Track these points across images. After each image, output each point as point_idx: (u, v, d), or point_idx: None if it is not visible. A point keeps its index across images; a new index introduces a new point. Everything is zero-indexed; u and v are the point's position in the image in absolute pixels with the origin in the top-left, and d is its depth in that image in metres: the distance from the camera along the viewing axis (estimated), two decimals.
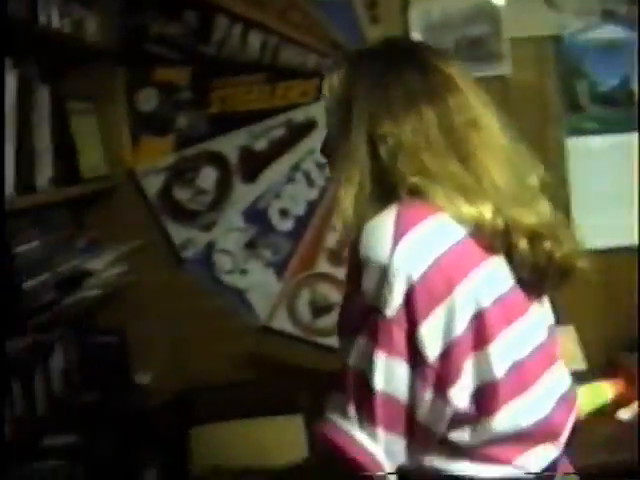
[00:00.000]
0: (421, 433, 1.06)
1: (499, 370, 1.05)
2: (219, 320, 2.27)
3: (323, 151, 1.30)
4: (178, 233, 2.55)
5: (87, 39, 2.39)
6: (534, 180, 1.18)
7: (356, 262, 1.07)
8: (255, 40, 2.48)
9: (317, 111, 2.45)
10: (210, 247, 2.54)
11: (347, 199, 1.12)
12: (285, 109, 2.49)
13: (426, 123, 1.12)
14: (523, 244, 1.08)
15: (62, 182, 2.07)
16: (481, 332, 1.04)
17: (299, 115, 2.49)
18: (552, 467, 1.13)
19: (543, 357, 1.14)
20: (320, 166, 2.48)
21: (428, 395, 1.04)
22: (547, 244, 1.09)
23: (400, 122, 1.12)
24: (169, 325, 2.49)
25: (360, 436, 1.04)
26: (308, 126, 2.48)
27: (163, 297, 2.53)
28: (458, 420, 1.05)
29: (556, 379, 1.16)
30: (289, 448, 2.32)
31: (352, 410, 1.05)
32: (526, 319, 1.11)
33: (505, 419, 1.06)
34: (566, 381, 1.19)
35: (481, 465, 1.08)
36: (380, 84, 1.16)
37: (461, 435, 1.06)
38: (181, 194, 2.53)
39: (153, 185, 2.54)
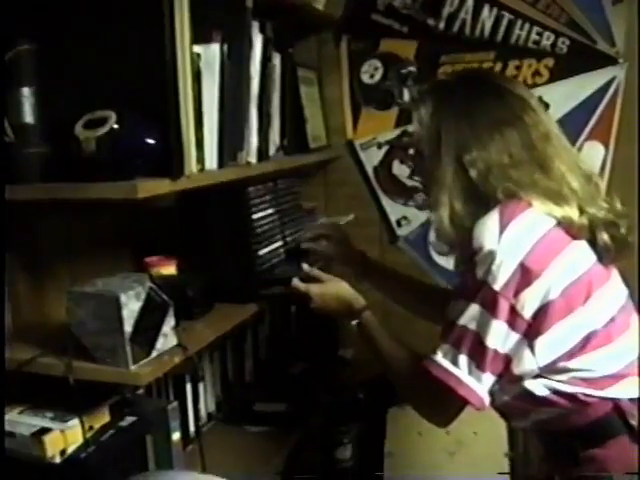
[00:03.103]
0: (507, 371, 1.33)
1: (598, 322, 1.31)
2: None
3: (416, 174, 1.64)
4: (394, 209, 2.52)
5: (316, 8, 2.38)
6: (597, 178, 1.44)
7: (469, 254, 1.30)
8: (487, 16, 2.37)
9: (550, 93, 2.33)
10: (426, 226, 2.46)
11: (444, 220, 1.38)
12: None
13: (509, 143, 1.34)
14: (604, 236, 1.35)
15: (291, 151, 2.08)
16: (575, 297, 1.29)
17: None
18: None
19: (626, 316, 1.39)
20: None
21: (516, 339, 1.28)
22: (622, 229, 1.38)
23: (487, 146, 1.34)
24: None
25: (469, 379, 1.31)
26: None
27: None
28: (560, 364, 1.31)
29: (636, 334, 1.39)
30: (487, 440, 2.26)
31: (463, 359, 1.31)
32: (610, 285, 1.38)
33: (602, 359, 1.31)
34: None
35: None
36: (465, 114, 1.37)
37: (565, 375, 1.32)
38: (400, 170, 2.48)
39: (372, 159, 2.51)
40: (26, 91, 1.39)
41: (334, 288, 1.63)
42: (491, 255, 1.26)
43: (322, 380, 2.34)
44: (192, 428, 1.90)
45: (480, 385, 1.31)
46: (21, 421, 1.43)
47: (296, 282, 1.65)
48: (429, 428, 2.29)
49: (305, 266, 1.71)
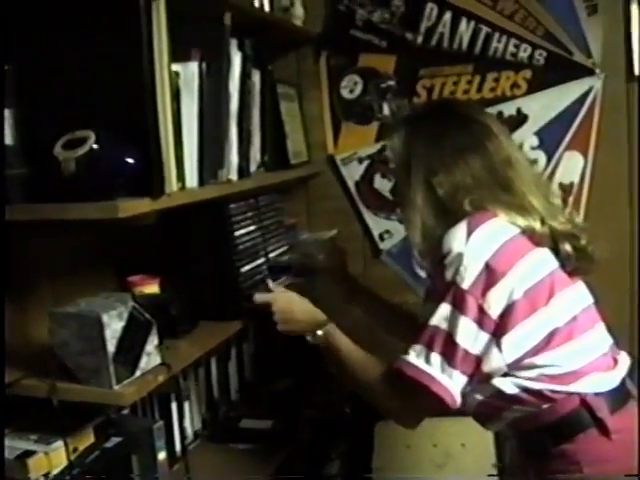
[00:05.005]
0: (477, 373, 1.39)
1: (560, 320, 1.38)
2: None
3: (393, 195, 1.86)
4: (376, 223, 2.53)
5: (294, 24, 2.39)
6: (556, 198, 1.57)
7: (438, 259, 1.39)
8: (465, 29, 2.39)
9: (528, 104, 2.35)
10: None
11: (416, 235, 1.49)
12: (494, 101, 2.37)
13: (472, 167, 1.45)
14: (566, 245, 1.45)
15: (272, 167, 2.08)
16: (537, 298, 1.37)
17: (509, 108, 2.37)
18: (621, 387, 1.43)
19: (589, 318, 1.47)
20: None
21: (486, 339, 1.35)
22: (582, 241, 1.48)
23: (452, 170, 1.46)
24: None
25: (441, 377, 1.36)
26: (518, 120, 2.36)
27: None
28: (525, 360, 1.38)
29: (601, 336, 1.49)
30: (474, 451, 2.26)
31: (435, 358, 1.37)
32: (572, 289, 1.45)
33: (565, 356, 1.38)
34: (608, 340, 1.51)
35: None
36: (432, 142, 1.50)
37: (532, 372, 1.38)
38: (381, 184, 2.49)
39: (353, 174, 2.52)
40: (6, 112, 1.39)
41: (298, 299, 1.69)
42: (459, 257, 1.35)
43: (308, 396, 2.33)
44: (178, 447, 1.89)
45: (452, 382, 1.37)
46: (5, 444, 1.41)
47: (259, 295, 1.70)
48: (417, 441, 2.32)
49: (269, 282, 1.77)
